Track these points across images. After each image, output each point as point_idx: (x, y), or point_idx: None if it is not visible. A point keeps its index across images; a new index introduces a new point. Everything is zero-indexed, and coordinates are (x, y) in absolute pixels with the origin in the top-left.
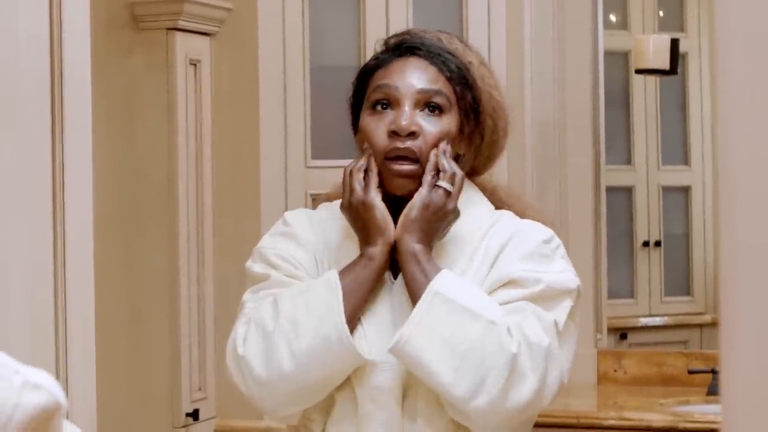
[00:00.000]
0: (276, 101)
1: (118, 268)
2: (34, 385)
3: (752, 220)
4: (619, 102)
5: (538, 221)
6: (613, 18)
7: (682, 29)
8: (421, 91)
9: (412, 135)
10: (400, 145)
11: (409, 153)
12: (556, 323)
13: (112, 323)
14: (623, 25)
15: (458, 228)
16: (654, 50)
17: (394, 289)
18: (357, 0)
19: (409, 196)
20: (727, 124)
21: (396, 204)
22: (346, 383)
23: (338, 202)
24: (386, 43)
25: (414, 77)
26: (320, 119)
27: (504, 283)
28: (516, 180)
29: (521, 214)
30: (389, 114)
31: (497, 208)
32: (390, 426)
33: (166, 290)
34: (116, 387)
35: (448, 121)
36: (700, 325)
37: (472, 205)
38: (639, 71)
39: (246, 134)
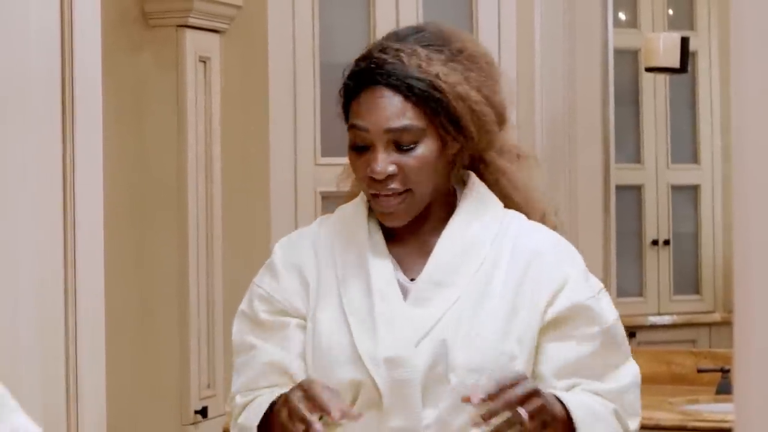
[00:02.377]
0: (286, 98)
1: (127, 264)
2: None
3: (766, 217)
4: (629, 100)
5: (541, 208)
6: (622, 16)
7: (691, 27)
8: (389, 131)
9: (390, 176)
10: (381, 189)
11: (392, 192)
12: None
13: (121, 320)
14: (633, 23)
15: (470, 232)
16: (664, 48)
17: (411, 290)
18: None
19: (400, 228)
20: (741, 121)
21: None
22: (367, 377)
23: (332, 215)
24: (355, 66)
25: (381, 114)
26: (330, 116)
27: (571, 313)
28: None
29: (524, 202)
30: (367, 154)
31: (500, 196)
32: (411, 417)
33: (175, 287)
34: (125, 384)
35: (425, 147)
36: (709, 324)
37: (483, 206)
38: (649, 69)
39: (255, 131)
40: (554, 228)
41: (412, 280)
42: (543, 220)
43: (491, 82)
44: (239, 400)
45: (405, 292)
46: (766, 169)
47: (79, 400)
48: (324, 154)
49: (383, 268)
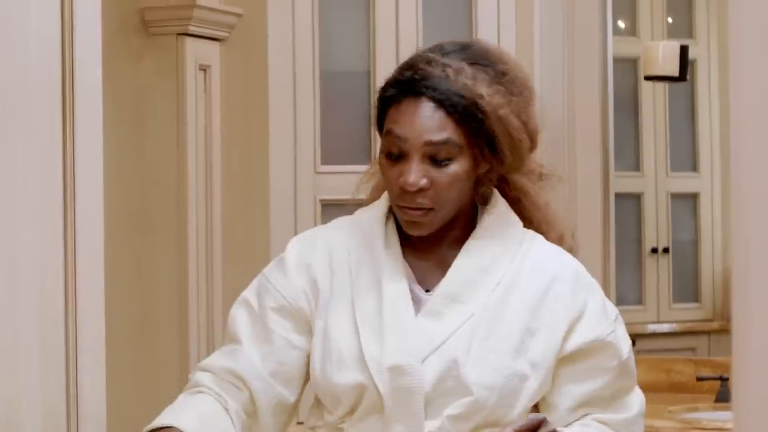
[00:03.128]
0: (285, 107)
1: (127, 272)
2: None
3: (765, 225)
4: (628, 108)
5: (559, 229)
6: (622, 25)
7: (691, 36)
8: (429, 143)
9: (421, 190)
10: (410, 201)
11: (420, 206)
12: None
13: (121, 328)
14: (632, 31)
15: (489, 250)
16: (663, 57)
17: (426, 302)
18: (367, 5)
19: (419, 239)
20: (739, 129)
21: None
22: (371, 383)
23: (349, 218)
24: (399, 75)
25: (421, 126)
26: (330, 125)
27: (590, 348)
28: None
29: (544, 220)
30: (401, 163)
31: (521, 215)
32: (413, 425)
33: (175, 295)
34: (126, 390)
35: (459, 166)
36: (709, 332)
37: (504, 224)
38: (648, 78)
39: (255, 140)
40: (570, 250)
41: (427, 291)
42: (560, 241)
43: (528, 108)
44: (191, 376)
45: (419, 304)
46: (764, 177)
47: (80, 408)
48: (324, 162)
49: (397, 277)
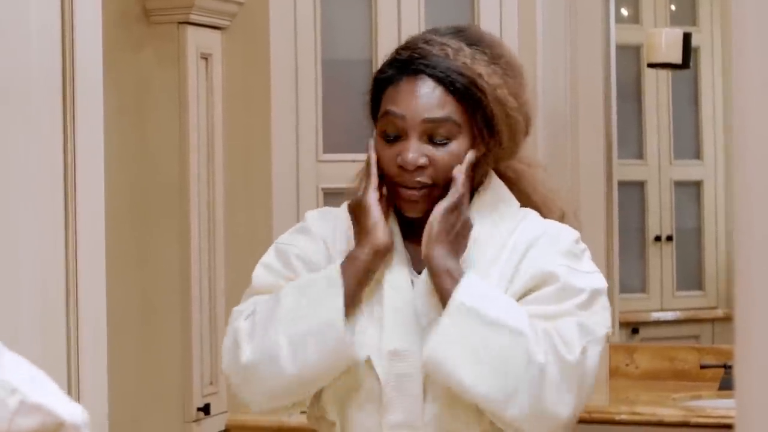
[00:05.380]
0: (287, 95)
1: (129, 262)
2: (30, 407)
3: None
4: (631, 96)
5: (559, 209)
6: (625, 12)
7: (694, 23)
8: (428, 121)
9: (420, 168)
10: (408, 179)
11: (418, 185)
12: (594, 326)
13: (123, 318)
14: (635, 19)
15: (485, 229)
16: (666, 44)
17: (417, 284)
18: None
19: (421, 219)
20: (742, 116)
21: (410, 222)
22: (370, 371)
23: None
24: (397, 54)
25: (421, 103)
26: (332, 113)
27: (542, 280)
28: None
29: (543, 202)
30: (398, 143)
31: (520, 196)
32: (411, 412)
33: (177, 285)
34: (128, 382)
35: (459, 144)
36: (712, 320)
37: (499, 203)
38: (651, 65)
39: (257, 128)
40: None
41: (420, 273)
42: (562, 221)
43: (523, 92)
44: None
45: (413, 285)
46: (767, 165)
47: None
48: (326, 150)
49: (396, 261)
